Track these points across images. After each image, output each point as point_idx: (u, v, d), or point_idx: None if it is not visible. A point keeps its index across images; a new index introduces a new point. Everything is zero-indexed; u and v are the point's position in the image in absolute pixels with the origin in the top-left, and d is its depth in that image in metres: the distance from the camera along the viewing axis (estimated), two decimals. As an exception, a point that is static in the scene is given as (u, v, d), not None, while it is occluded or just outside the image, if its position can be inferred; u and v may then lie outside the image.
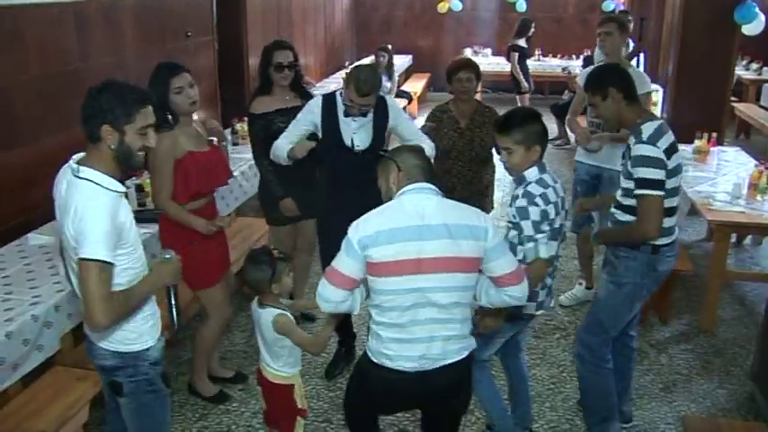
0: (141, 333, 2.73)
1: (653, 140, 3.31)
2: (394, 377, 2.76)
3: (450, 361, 2.75)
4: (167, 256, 2.79)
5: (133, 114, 2.53)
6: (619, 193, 3.57)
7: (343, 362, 4.58)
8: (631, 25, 8.64)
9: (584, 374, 3.77)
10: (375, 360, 2.78)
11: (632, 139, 3.39)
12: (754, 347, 4.56)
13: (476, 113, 4.81)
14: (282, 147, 4.08)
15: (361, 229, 2.64)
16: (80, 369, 3.64)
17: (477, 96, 12.41)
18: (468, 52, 13.47)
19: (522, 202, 3.19)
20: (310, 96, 4.51)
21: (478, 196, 4.89)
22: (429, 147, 4.03)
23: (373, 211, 2.74)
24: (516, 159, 3.24)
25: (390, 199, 2.81)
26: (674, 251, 3.58)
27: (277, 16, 10.11)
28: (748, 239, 6.72)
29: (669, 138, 3.38)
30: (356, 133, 3.99)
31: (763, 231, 5.59)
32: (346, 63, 12.75)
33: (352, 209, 3.93)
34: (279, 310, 3.30)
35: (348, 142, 3.99)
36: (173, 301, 2.91)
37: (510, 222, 3.28)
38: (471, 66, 4.82)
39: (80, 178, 2.54)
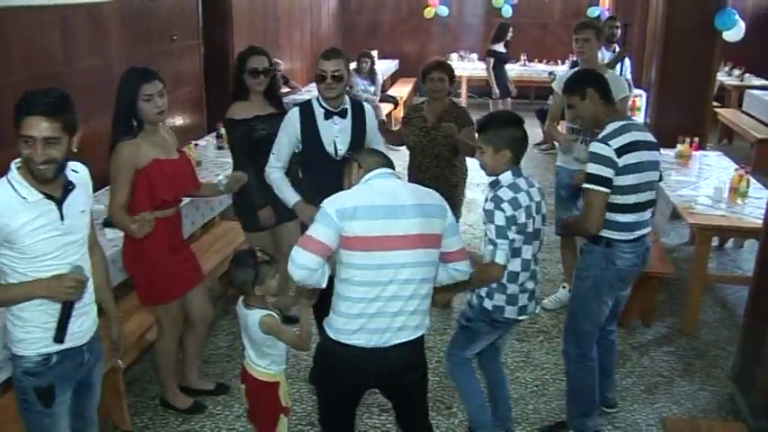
0: (21, 339, 2.71)
1: (606, 139, 3.47)
2: (354, 353, 2.83)
3: (405, 339, 2.86)
4: (68, 272, 2.66)
5: (18, 123, 2.51)
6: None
7: None
8: (618, 31, 8.69)
9: (567, 369, 3.89)
10: (334, 337, 2.85)
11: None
12: (734, 349, 4.60)
13: (445, 112, 5.01)
14: (280, 179, 4.07)
15: (338, 201, 2.75)
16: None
17: (463, 100, 12.54)
18: (454, 57, 13.53)
19: (489, 206, 3.30)
20: (283, 106, 4.53)
21: (448, 195, 4.85)
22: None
23: (346, 191, 2.90)
24: (485, 159, 3.36)
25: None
26: (636, 249, 3.63)
27: (263, 21, 10.12)
28: (730, 243, 6.79)
29: (627, 138, 3.48)
30: (338, 137, 4.01)
31: (744, 234, 5.65)
32: (332, 68, 12.76)
33: None
34: (265, 311, 3.31)
35: (330, 148, 3.99)
36: (63, 317, 2.71)
37: (483, 222, 3.39)
38: (444, 66, 5.05)
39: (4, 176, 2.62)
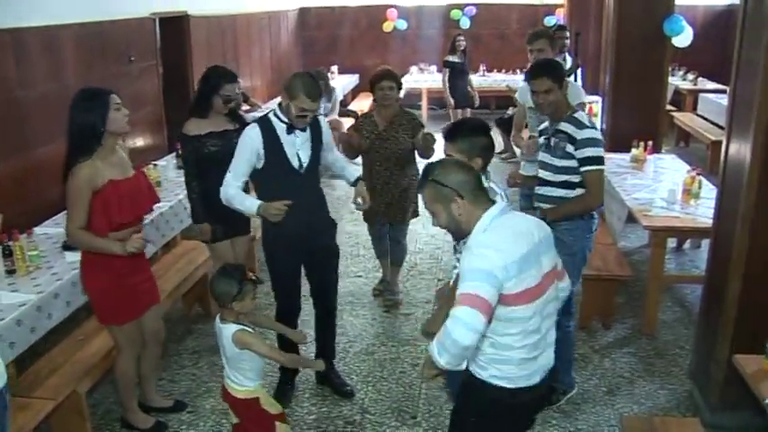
0: None
1: (593, 125, 3.93)
2: (525, 396, 2.70)
3: (551, 368, 2.80)
4: None
5: None
6: (546, 174, 4.04)
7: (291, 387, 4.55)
8: (567, 41, 8.83)
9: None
10: (506, 385, 2.67)
11: (569, 126, 3.89)
12: (692, 347, 4.70)
13: (395, 117, 5.28)
14: (238, 193, 4.00)
15: (498, 258, 2.47)
16: (22, 398, 3.60)
17: (424, 112, 12.64)
18: (414, 70, 13.67)
19: None
20: (242, 121, 4.55)
21: (399, 198, 5.37)
22: (354, 169, 4.41)
23: (485, 238, 2.57)
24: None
25: (461, 232, 2.70)
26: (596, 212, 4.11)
27: (221, 39, 10.14)
28: (688, 243, 6.93)
29: None
30: (300, 150, 4.03)
31: (697, 234, 5.77)
32: (293, 84, 12.77)
33: (299, 233, 4.02)
34: (238, 326, 3.34)
35: (294, 162, 4.01)
36: None
37: None
38: (392, 76, 5.29)
39: None
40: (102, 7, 6.80)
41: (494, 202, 2.66)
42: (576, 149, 3.86)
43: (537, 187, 4.11)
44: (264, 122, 4.03)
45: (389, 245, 5.77)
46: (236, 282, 3.32)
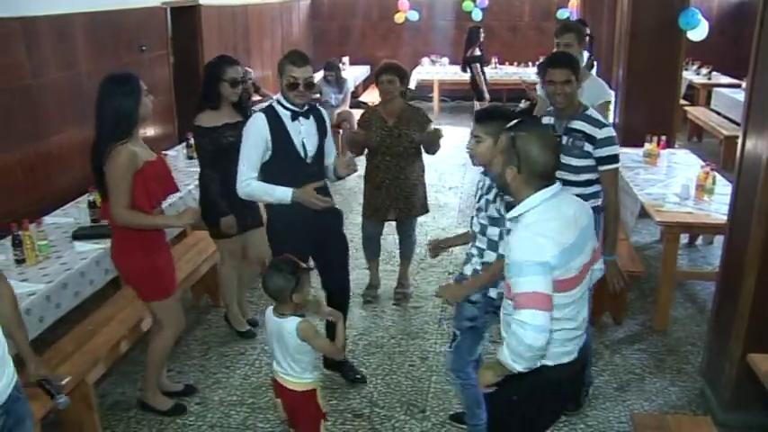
0: None
1: (609, 122, 3.91)
2: (565, 372, 2.76)
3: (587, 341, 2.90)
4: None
5: None
6: (566, 174, 3.78)
7: None
8: (587, 38, 8.69)
9: None
10: (551, 363, 2.70)
11: (585, 125, 3.84)
12: (704, 344, 4.66)
13: (403, 112, 5.20)
14: (262, 185, 3.95)
15: (549, 247, 2.49)
16: (29, 389, 3.57)
17: (435, 104, 12.59)
18: (425, 62, 13.60)
19: (491, 196, 3.28)
20: (249, 114, 4.55)
21: (406, 193, 5.31)
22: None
23: (534, 224, 2.57)
24: (482, 149, 3.28)
25: (506, 190, 2.81)
26: None
27: (233, 29, 10.11)
28: (700, 239, 6.87)
29: None
30: (305, 138, 4.01)
31: (711, 231, 5.72)
32: (305, 74, 12.73)
33: (306, 223, 3.99)
34: (299, 318, 3.34)
35: (300, 149, 3.99)
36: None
37: (489, 218, 3.33)
38: (394, 69, 5.18)
39: None
40: (114, -4, 6.78)
41: (556, 186, 2.68)
42: (595, 148, 3.82)
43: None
44: (269, 110, 4.02)
45: (399, 239, 5.75)
46: (291, 274, 3.30)
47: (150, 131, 7.58)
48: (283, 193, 3.92)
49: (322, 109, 4.23)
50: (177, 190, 4.02)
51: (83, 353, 3.97)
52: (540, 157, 2.60)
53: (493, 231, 3.33)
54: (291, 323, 3.32)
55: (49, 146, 5.75)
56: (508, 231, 3.05)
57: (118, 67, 6.73)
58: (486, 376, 2.77)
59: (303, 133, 4.01)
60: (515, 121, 2.78)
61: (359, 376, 4.53)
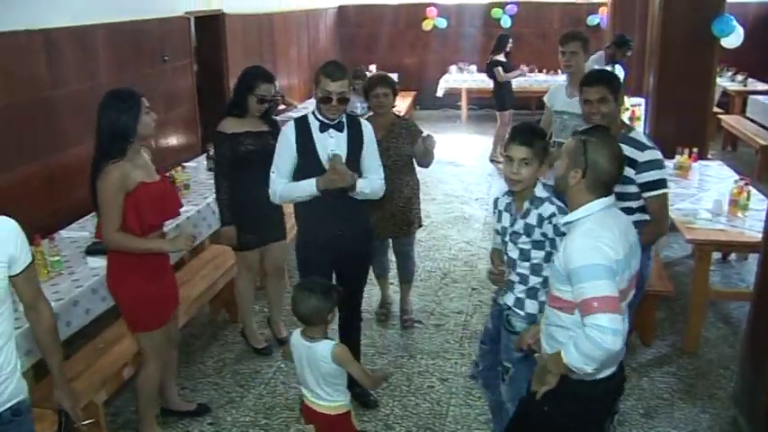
0: None
1: (654, 145, 3.71)
2: (604, 386, 2.73)
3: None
4: None
5: None
6: None
7: None
8: (630, 53, 8.37)
9: None
10: (590, 378, 2.66)
11: (626, 147, 3.35)
12: (737, 368, 4.45)
13: (393, 125, 5.01)
14: (288, 185, 3.87)
15: (613, 254, 2.51)
16: (37, 408, 3.50)
17: (464, 112, 12.37)
18: (453, 69, 13.45)
19: (559, 219, 3.11)
20: (277, 124, 4.45)
21: (402, 209, 5.11)
22: (382, 183, 4.04)
23: (596, 230, 2.57)
24: (530, 173, 3.14)
25: (563, 192, 2.78)
26: None
27: (258, 38, 10.06)
28: (734, 254, 6.63)
29: None
30: (333, 150, 3.86)
31: (746, 249, 5.50)
32: (331, 82, 12.64)
33: (330, 239, 3.87)
34: (333, 341, 3.27)
35: (325, 162, 3.85)
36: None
37: (533, 242, 3.20)
38: (387, 82, 5.05)
39: None
40: (135, 6, 6.74)
41: (610, 198, 2.69)
42: (636, 173, 3.61)
43: None
44: (301, 120, 3.95)
45: (397, 261, 5.48)
46: (325, 296, 3.23)
47: (173, 141, 7.54)
48: (309, 185, 3.80)
49: (364, 122, 4.09)
50: (177, 215, 3.89)
51: (92, 372, 3.90)
52: (607, 165, 2.64)
53: (537, 254, 3.22)
54: (325, 347, 3.23)
55: (68, 158, 5.70)
56: (562, 235, 2.97)
57: (139, 78, 6.71)
58: (550, 380, 2.71)
59: (332, 145, 3.88)
60: (587, 127, 2.81)
61: (371, 398, 4.39)
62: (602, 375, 2.67)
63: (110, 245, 3.55)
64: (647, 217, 3.72)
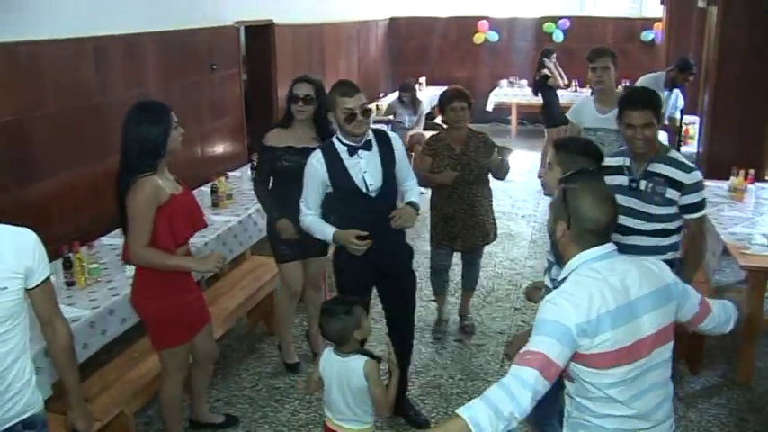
0: None
1: (697, 166, 3.68)
2: None
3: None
4: None
5: None
6: (633, 222, 3.59)
7: None
8: (692, 77, 8.09)
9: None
10: None
11: (669, 169, 3.54)
12: (792, 403, 4.24)
13: (469, 139, 5.03)
14: (315, 220, 3.89)
15: (576, 312, 2.18)
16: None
17: (513, 128, 12.21)
18: (503, 84, 13.29)
19: None
20: (329, 134, 4.34)
21: (481, 222, 5.14)
22: (418, 191, 4.08)
23: (568, 286, 2.28)
24: (551, 177, 3.00)
25: (558, 252, 2.51)
26: None
27: (308, 48, 10.08)
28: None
29: None
30: (366, 172, 3.82)
31: (804, 276, 5.25)
32: (381, 95, 12.63)
33: (368, 259, 3.80)
34: (366, 356, 3.21)
35: (361, 185, 3.81)
36: None
37: None
38: (464, 95, 5.04)
39: None
40: (185, 15, 6.79)
41: (603, 247, 2.33)
42: (682, 195, 3.54)
43: (620, 236, 3.44)
44: (328, 147, 3.88)
45: (463, 268, 5.51)
46: (347, 314, 3.17)
47: (219, 150, 7.57)
48: (327, 233, 3.85)
49: (391, 133, 4.05)
50: (205, 225, 3.80)
51: (124, 382, 3.88)
52: (590, 212, 2.28)
53: None
54: (358, 361, 3.17)
55: (112, 164, 5.70)
56: None
57: (187, 86, 6.76)
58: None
59: (363, 167, 3.82)
60: (571, 172, 2.53)
61: (422, 418, 4.34)
62: None
63: (138, 261, 3.47)
64: (676, 239, 3.67)
